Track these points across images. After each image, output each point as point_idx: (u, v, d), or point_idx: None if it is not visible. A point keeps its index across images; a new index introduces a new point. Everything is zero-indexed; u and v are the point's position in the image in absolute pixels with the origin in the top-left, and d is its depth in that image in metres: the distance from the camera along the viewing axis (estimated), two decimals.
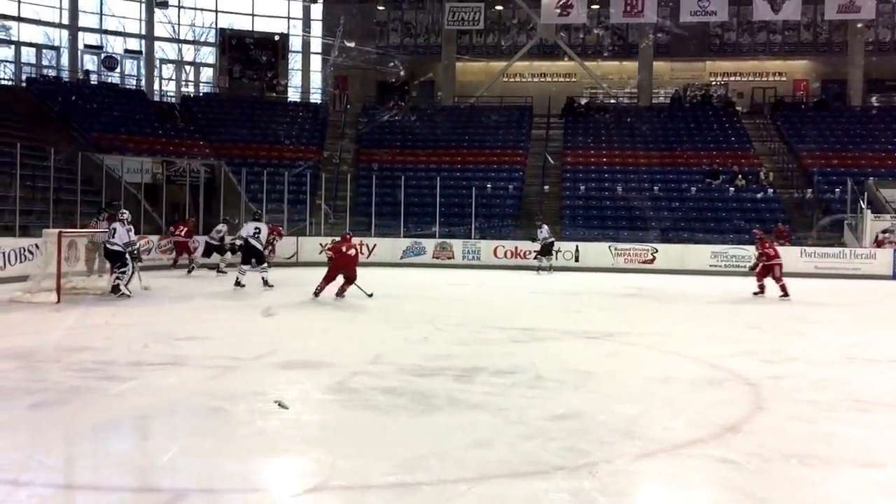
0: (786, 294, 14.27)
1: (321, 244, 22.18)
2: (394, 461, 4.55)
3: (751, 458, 4.75)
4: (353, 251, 13.03)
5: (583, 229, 23.96)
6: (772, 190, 25.51)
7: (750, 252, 21.60)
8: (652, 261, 22.23)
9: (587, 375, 7.18)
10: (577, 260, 22.42)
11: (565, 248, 22.55)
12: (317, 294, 12.53)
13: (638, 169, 27.70)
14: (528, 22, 33.24)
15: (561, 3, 29.78)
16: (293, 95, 34.18)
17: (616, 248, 22.54)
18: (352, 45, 30.08)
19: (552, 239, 20.93)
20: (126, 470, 4.55)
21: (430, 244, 23.04)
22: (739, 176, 25.82)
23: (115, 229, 12.50)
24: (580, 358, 8.19)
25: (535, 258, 20.99)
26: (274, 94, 32.92)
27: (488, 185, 26.32)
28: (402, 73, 32.14)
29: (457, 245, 23.05)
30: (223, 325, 10.22)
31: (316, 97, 33.98)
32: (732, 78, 34.23)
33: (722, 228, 23.93)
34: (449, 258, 22.78)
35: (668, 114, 31.14)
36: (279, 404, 5.57)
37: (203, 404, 5.90)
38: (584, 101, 32.22)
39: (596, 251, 22.47)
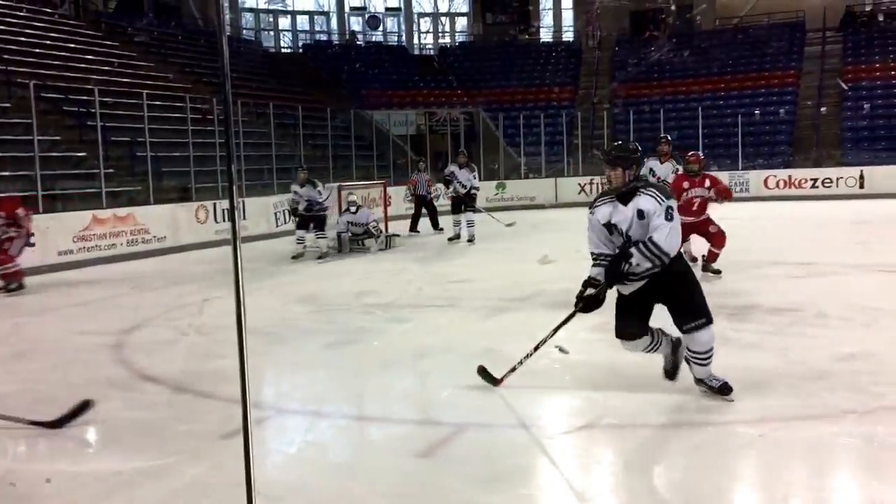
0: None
1: (579, 184, 22.13)
2: (666, 401, 4.48)
3: None
4: None
5: (868, 152, 21.65)
6: None
7: None
8: None
9: (878, 312, 6.56)
10: (861, 186, 20.38)
11: (848, 174, 20.60)
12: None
13: None
14: None
15: None
16: (545, 36, 33.96)
17: None
18: None
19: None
20: (410, 404, 4.90)
21: None
22: None
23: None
24: (869, 294, 7.49)
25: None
26: (527, 37, 32.92)
27: (756, 112, 24.54)
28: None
29: (723, 177, 21.81)
30: (490, 269, 10.57)
31: (569, 36, 33.48)
32: None
33: None
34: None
35: None
36: (560, 349, 5.65)
37: (477, 344, 6.18)
38: (867, 9, 28.78)
39: (885, 175, 20.18)
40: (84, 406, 4.47)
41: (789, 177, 21.18)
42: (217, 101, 16.80)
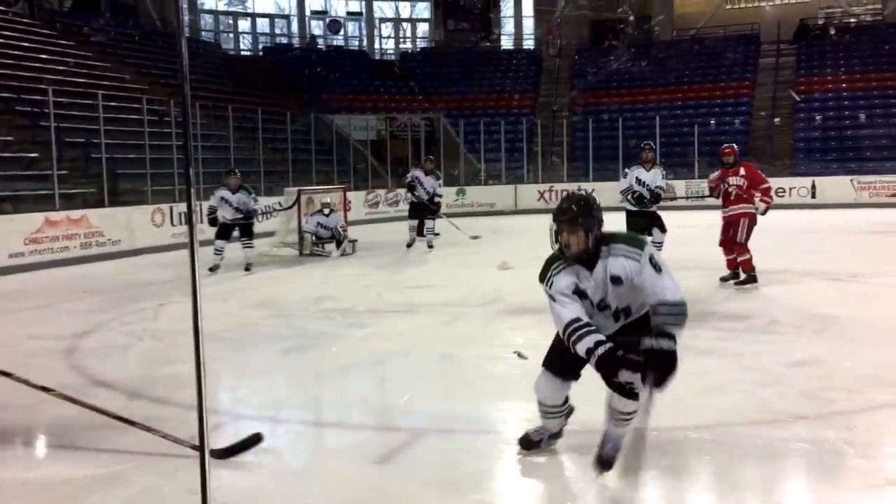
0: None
1: (538, 191, 22.28)
2: None
3: None
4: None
5: (819, 163, 22.17)
6: None
7: None
8: None
9: (829, 319, 6.71)
10: (813, 196, 20.84)
11: (800, 184, 21.05)
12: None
13: (885, 93, 24.99)
14: None
15: None
16: (506, 43, 34.19)
17: (859, 182, 20.67)
18: None
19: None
20: (369, 410, 4.89)
21: None
22: None
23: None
24: (821, 301, 7.66)
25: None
26: (488, 44, 33.10)
27: (712, 122, 24.98)
28: (617, 10, 31.03)
29: (679, 186, 22.20)
30: (449, 275, 10.59)
31: (529, 43, 33.74)
32: None
33: None
34: (671, 200, 21.98)
35: None
36: (518, 355, 5.67)
37: (435, 349, 6.19)
38: (819, 23, 29.49)
39: (835, 185, 20.70)
40: (255, 439, 4.13)
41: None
42: (175, 102, 16.61)
